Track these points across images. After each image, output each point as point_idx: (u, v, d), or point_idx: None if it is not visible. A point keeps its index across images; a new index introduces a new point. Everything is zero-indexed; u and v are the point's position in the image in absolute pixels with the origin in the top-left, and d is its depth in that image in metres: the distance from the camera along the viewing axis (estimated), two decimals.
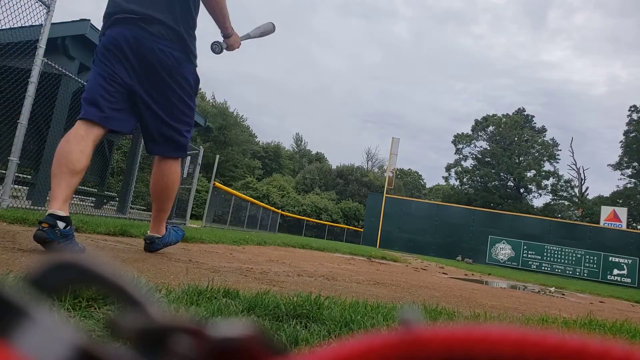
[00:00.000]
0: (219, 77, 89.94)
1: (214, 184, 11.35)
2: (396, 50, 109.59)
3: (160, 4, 2.48)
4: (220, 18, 2.68)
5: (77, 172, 2.24)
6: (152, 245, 2.75)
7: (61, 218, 2.09)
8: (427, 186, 64.97)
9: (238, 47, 2.87)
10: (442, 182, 54.23)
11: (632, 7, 76.63)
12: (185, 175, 10.65)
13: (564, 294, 5.16)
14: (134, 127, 2.61)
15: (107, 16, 2.51)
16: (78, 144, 2.28)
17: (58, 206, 2.13)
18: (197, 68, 2.71)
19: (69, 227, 2.13)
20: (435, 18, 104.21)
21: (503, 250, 19.12)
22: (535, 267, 18.52)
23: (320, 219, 34.77)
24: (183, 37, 2.54)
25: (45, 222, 2.03)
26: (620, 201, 38.68)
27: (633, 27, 76.68)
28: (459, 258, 17.95)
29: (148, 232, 2.82)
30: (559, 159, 45.26)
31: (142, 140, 8.71)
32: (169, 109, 2.57)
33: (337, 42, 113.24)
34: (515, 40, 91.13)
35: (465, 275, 6.40)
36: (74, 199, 10.99)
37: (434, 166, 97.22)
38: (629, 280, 17.87)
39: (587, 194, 44.98)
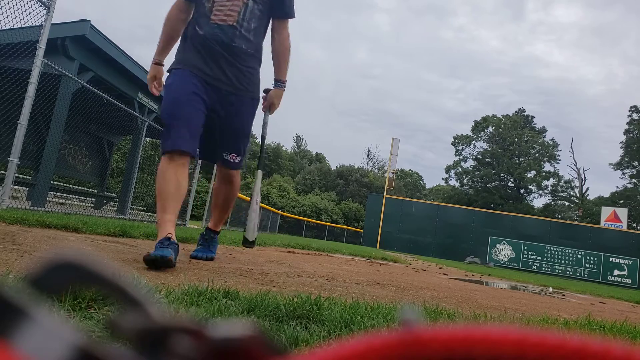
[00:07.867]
0: None
1: (214, 184, 11.34)
2: (385, 47, 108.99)
3: None
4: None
5: None
6: None
7: None
8: (427, 187, 64.95)
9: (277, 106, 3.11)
10: (443, 183, 54.25)
11: None
12: None
13: (564, 295, 5.15)
14: None
15: None
16: None
17: None
18: None
19: None
20: (414, 11, 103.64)
21: (503, 251, 19.10)
22: (535, 267, 18.50)
23: (320, 220, 34.73)
24: None
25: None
26: (621, 201, 38.66)
27: (625, 21, 76.25)
28: (476, 260, 17.35)
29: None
30: (559, 160, 45.25)
31: (142, 141, 8.65)
32: None
33: (323, 38, 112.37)
34: (508, 36, 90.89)
35: (466, 276, 6.40)
36: (74, 200, 10.97)
37: (433, 167, 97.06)
38: (629, 281, 17.86)
39: (588, 194, 44.97)
